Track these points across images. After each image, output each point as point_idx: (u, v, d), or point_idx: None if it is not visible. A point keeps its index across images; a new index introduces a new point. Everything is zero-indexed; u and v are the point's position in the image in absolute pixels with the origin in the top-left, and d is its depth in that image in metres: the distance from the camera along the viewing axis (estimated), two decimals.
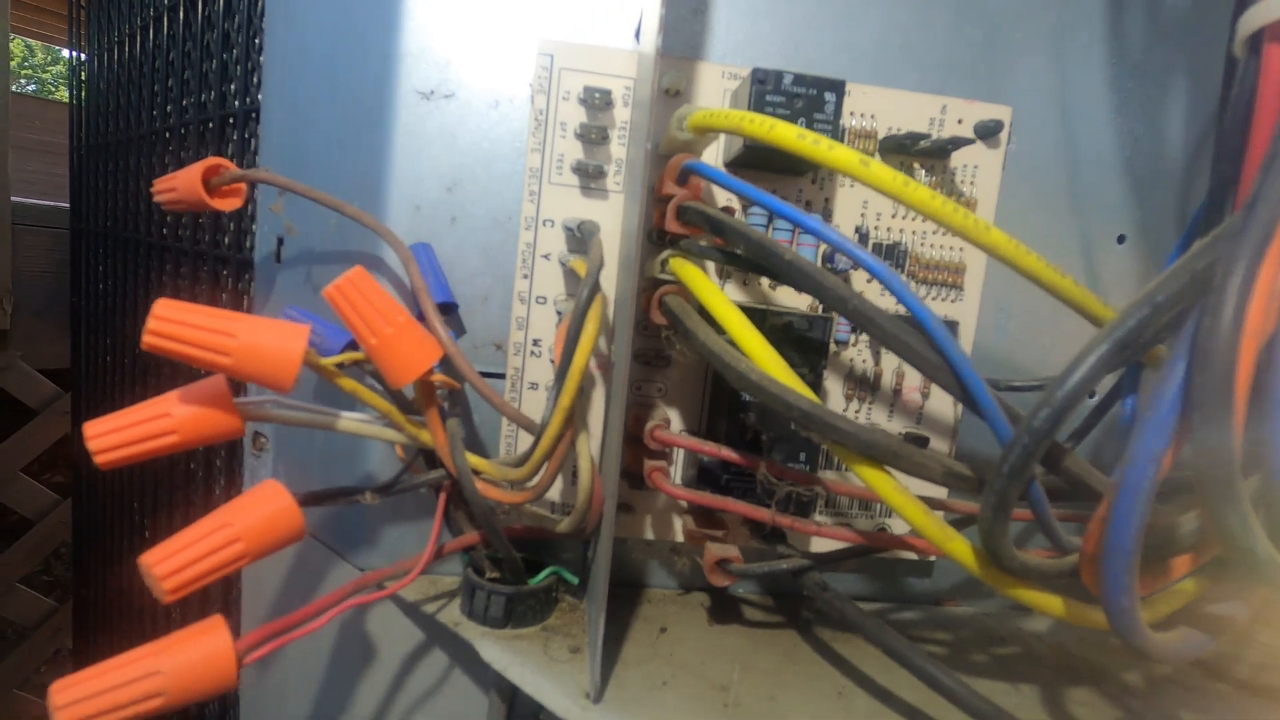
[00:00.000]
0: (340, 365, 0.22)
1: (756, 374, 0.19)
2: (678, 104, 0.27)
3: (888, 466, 0.19)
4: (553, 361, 0.27)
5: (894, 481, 0.19)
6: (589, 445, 0.23)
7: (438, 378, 0.23)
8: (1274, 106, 0.16)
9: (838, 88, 0.24)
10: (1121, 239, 0.31)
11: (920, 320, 0.18)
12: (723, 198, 0.27)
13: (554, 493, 0.29)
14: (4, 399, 1.27)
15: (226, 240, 0.42)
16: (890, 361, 0.29)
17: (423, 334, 0.22)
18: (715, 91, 0.27)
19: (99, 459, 0.19)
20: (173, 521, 0.54)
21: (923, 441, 0.29)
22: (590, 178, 0.27)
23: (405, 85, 0.28)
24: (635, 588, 0.31)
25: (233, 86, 0.42)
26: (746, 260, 0.22)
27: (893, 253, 0.29)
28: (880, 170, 0.19)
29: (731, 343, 0.21)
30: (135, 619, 0.60)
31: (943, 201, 0.19)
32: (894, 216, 0.28)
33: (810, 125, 0.24)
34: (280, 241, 0.32)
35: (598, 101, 0.26)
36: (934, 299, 0.29)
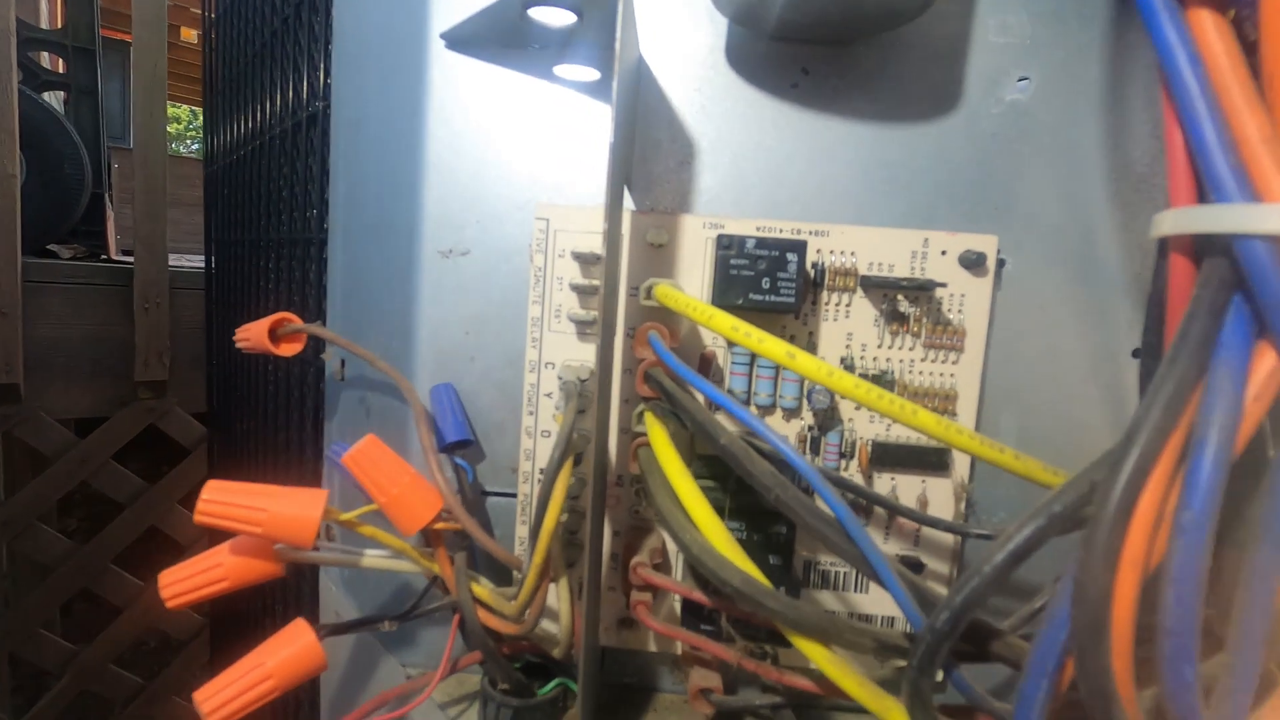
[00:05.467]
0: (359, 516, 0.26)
1: (699, 546, 0.21)
2: (663, 256, 0.29)
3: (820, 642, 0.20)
4: None
5: (828, 653, 0.20)
6: (569, 590, 0.26)
7: (441, 525, 0.26)
8: (1178, 320, 0.17)
9: (799, 248, 0.26)
10: (1137, 353, 0.30)
11: (837, 515, 0.19)
12: (710, 334, 0.29)
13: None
14: (164, 440, 1.47)
15: (308, 354, 0.48)
16: (883, 486, 0.30)
17: (426, 489, 0.26)
18: (699, 242, 0.29)
19: (168, 604, 0.24)
20: None
21: (917, 566, 0.29)
22: (585, 325, 0.30)
23: (429, 246, 0.32)
24: (647, 691, 0.33)
25: (310, 213, 0.48)
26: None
27: (880, 381, 0.29)
28: (805, 361, 0.20)
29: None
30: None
31: (867, 389, 0.20)
32: (879, 346, 0.29)
33: (774, 284, 0.26)
34: (343, 363, 0.37)
35: (588, 258, 0.29)
36: None
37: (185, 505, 1.46)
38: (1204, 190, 0.16)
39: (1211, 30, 0.16)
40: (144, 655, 1.75)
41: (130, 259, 1.41)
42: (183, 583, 0.24)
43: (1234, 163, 0.15)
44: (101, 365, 1.39)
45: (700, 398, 0.24)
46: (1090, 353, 0.30)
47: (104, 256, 1.66)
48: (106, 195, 1.68)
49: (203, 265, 1.18)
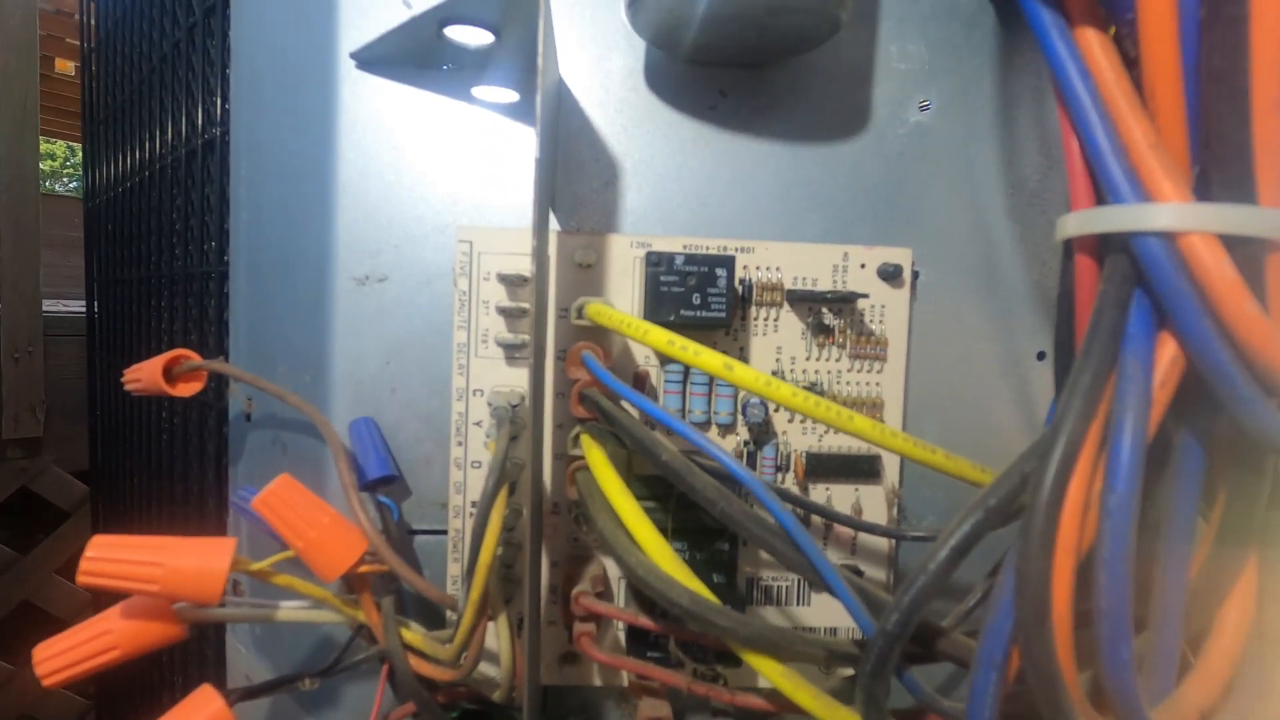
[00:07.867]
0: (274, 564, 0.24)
1: (644, 567, 0.21)
2: (592, 276, 0.29)
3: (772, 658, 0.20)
4: None
5: (781, 668, 0.20)
6: (509, 627, 0.25)
7: (366, 568, 0.24)
8: (1086, 314, 0.18)
9: (728, 263, 0.26)
10: (1041, 355, 0.32)
11: (783, 524, 0.19)
12: (642, 353, 0.29)
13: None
14: (39, 503, 1.32)
15: (208, 397, 0.45)
16: (818, 497, 0.30)
17: (347, 530, 0.24)
18: (627, 260, 0.29)
19: (46, 681, 0.21)
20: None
21: (855, 573, 0.30)
22: (514, 349, 0.29)
23: (342, 273, 0.30)
24: None
25: (208, 246, 0.45)
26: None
27: (811, 391, 0.30)
28: (743, 372, 0.20)
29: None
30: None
31: (805, 397, 0.20)
32: (808, 358, 0.30)
33: (705, 299, 0.26)
34: (250, 400, 0.34)
35: (515, 280, 0.28)
36: None
37: (64, 575, 1.32)
38: (1101, 193, 0.17)
39: (1097, 46, 0.17)
40: None
41: None
42: (63, 655, 0.21)
43: (1125, 166, 0.17)
44: None
45: (638, 414, 0.23)
46: (1000, 357, 0.32)
47: None
48: None
49: (83, 310, 1.09)
